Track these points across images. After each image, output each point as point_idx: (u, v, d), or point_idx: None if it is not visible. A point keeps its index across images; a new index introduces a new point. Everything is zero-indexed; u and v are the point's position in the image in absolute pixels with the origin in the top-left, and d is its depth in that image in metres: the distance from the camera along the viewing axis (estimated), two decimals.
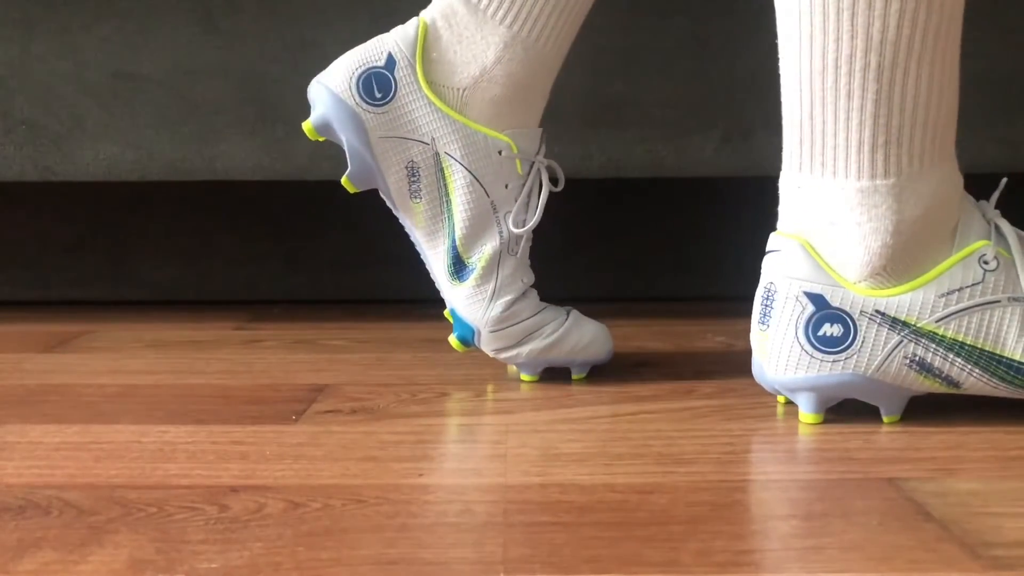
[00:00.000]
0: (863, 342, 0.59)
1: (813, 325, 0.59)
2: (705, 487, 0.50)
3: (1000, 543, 0.43)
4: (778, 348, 0.60)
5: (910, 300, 0.59)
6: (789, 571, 0.40)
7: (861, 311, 0.59)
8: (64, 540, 0.44)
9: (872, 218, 0.59)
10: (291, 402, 0.62)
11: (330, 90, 0.68)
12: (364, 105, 0.68)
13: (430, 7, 0.70)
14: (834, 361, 0.59)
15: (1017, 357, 0.59)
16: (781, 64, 0.60)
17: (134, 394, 0.69)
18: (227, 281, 1.07)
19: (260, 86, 1.07)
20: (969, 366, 0.59)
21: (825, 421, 0.61)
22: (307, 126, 0.69)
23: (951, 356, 0.59)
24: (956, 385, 0.60)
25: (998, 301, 0.59)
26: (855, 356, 0.59)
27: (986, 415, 0.61)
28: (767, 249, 0.62)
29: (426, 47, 0.69)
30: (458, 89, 0.68)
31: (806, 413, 0.61)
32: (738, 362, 0.76)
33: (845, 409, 0.62)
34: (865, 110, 0.57)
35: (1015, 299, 0.59)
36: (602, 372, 0.73)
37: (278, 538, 0.44)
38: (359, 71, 0.68)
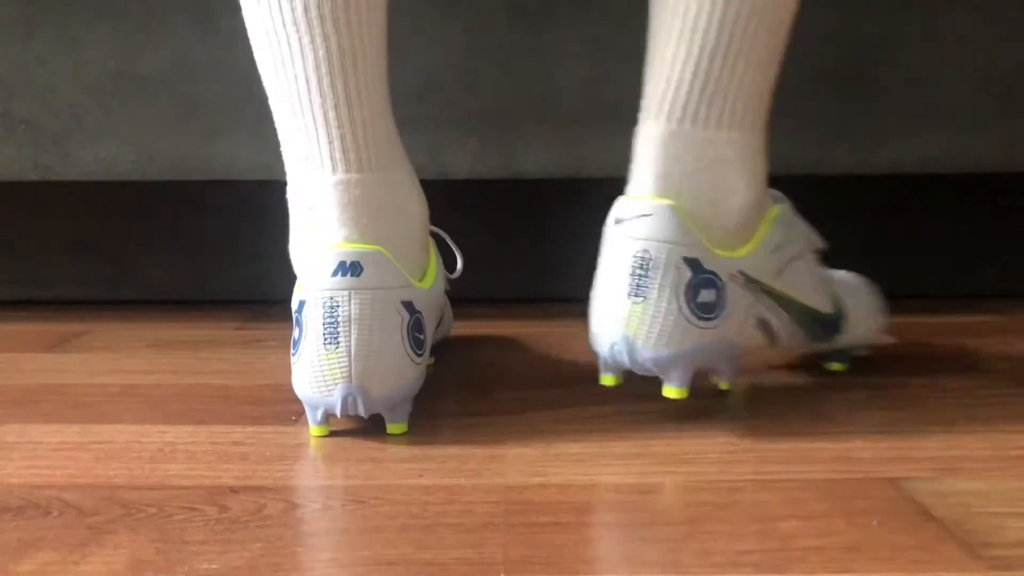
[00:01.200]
0: (732, 305, 0.58)
1: (692, 292, 0.57)
2: (705, 487, 0.50)
3: (1001, 543, 0.43)
4: (660, 320, 0.57)
5: (756, 259, 0.59)
6: (789, 571, 0.40)
7: (729, 274, 0.59)
8: (64, 540, 0.44)
9: (745, 171, 0.59)
10: (291, 402, 0.62)
11: None
12: None
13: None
14: (711, 328, 0.58)
15: (819, 308, 0.62)
16: (661, 19, 0.60)
17: (134, 394, 0.69)
18: (227, 281, 1.07)
19: (260, 86, 1.07)
20: (787, 319, 0.62)
21: (825, 421, 0.61)
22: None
23: (779, 310, 0.61)
24: (775, 340, 0.62)
25: (802, 254, 0.63)
26: (726, 321, 0.58)
27: (986, 415, 0.61)
28: (623, 216, 0.58)
29: None
30: None
31: (678, 388, 0.58)
32: None
33: (845, 409, 0.62)
34: (753, 64, 0.59)
35: (812, 251, 0.64)
36: None
37: (278, 538, 0.44)
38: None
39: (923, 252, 1.06)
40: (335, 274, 0.56)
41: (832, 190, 1.06)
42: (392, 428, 0.58)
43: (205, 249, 1.07)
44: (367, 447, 0.56)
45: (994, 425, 0.59)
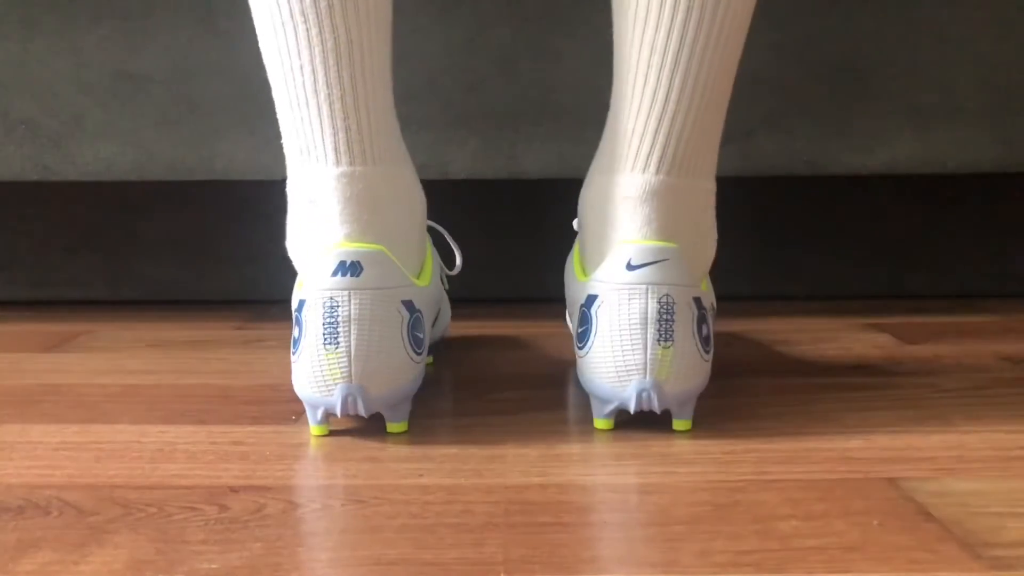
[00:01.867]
0: (713, 336, 0.61)
1: (698, 328, 0.58)
2: (705, 487, 0.50)
3: (1000, 543, 0.43)
4: (685, 361, 0.57)
5: (709, 293, 0.65)
6: (789, 571, 0.40)
7: (711, 305, 0.62)
8: (64, 540, 0.44)
9: (713, 218, 0.63)
10: (291, 402, 0.62)
11: None
12: None
13: None
14: (710, 359, 0.59)
15: None
16: (625, 69, 0.61)
17: (134, 394, 0.69)
18: (227, 281, 1.07)
19: (260, 86, 1.07)
20: None
21: (824, 421, 0.61)
22: None
23: None
24: None
25: None
26: (712, 350, 0.60)
27: (986, 415, 0.61)
28: (639, 261, 0.58)
29: None
30: None
31: (687, 420, 0.59)
32: (738, 362, 0.76)
33: (845, 409, 0.62)
34: (720, 115, 0.62)
35: None
36: None
37: (278, 538, 0.44)
38: None
39: (922, 252, 1.06)
40: (335, 274, 0.56)
41: (831, 190, 1.07)
42: (392, 427, 0.58)
43: (205, 249, 1.07)
44: (367, 447, 0.56)
45: (994, 425, 0.59)
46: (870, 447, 0.56)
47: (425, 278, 0.63)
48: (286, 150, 0.62)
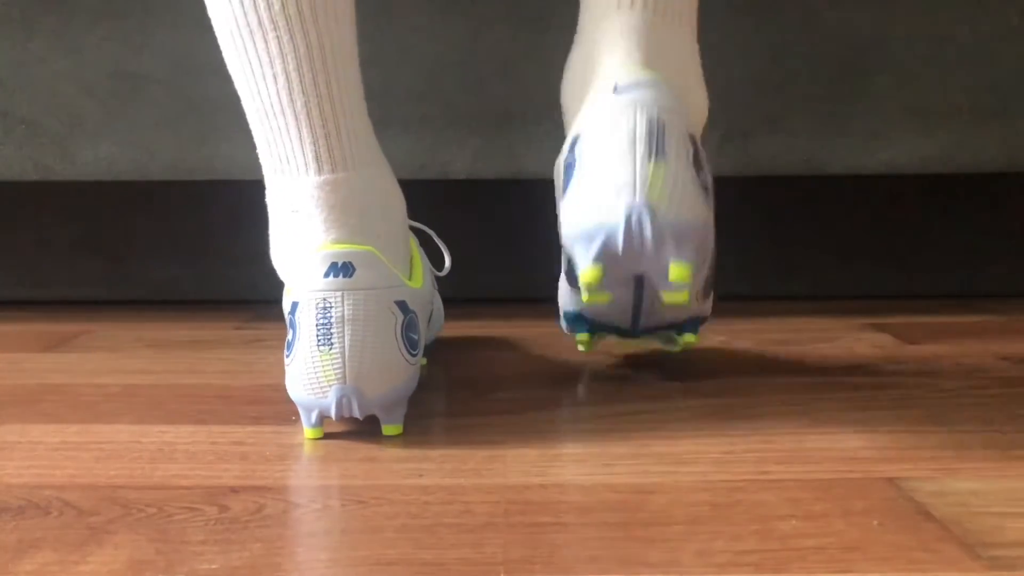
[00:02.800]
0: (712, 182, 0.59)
1: (696, 165, 0.54)
2: (705, 487, 0.50)
3: (1000, 543, 0.43)
4: (680, 186, 0.52)
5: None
6: (789, 571, 0.40)
7: (704, 154, 0.59)
8: (64, 540, 0.44)
9: (699, 73, 0.62)
10: (291, 402, 0.61)
11: None
12: None
13: None
14: (710, 204, 0.55)
15: None
16: None
17: (134, 394, 0.69)
18: (227, 281, 1.07)
19: None
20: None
21: (824, 421, 0.61)
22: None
23: None
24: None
25: None
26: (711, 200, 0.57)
27: (986, 415, 0.61)
28: (622, 83, 0.54)
29: None
30: None
31: (688, 264, 0.53)
32: (738, 362, 0.76)
33: (845, 409, 0.62)
34: None
35: None
36: (602, 372, 0.73)
37: (278, 538, 0.44)
38: None
39: (922, 252, 1.06)
40: (327, 275, 0.56)
41: (831, 190, 1.07)
42: (388, 429, 0.58)
43: (205, 249, 1.07)
44: (367, 447, 0.56)
45: (994, 425, 0.59)
46: (870, 447, 0.56)
47: (417, 279, 0.63)
48: (262, 161, 0.61)
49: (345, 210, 0.58)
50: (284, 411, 0.63)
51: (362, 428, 0.59)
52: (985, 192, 1.06)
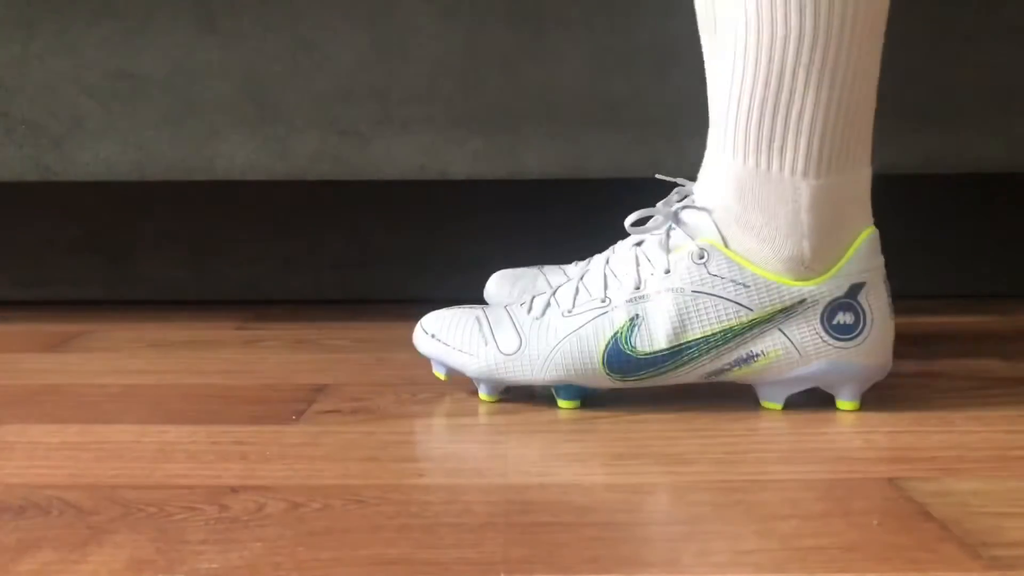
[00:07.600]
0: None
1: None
2: (705, 487, 0.50)
3: (1000, 543, 0.43)
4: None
5: None
6: (789, 571, 0.40)
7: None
8: (64, 540, 0.44)
9: None
10: (291, 402, 0.62)
11: None
12: None
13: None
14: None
15: None
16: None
17: (134, 394, 0.69)
18: (227, 281, 1.07)
19: (260, 86, 1.07)
20: None
21: (824, 421, 0.61)
22: None
23: None
24: None
25: None
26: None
27: (986, 415, 0.61)
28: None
29: None
30: None
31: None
32: None
33: (847, 408, 0.62)
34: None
35: None
36: None
37: (278, 538, 0.44)
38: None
39: (923, 252, 1.06)
40: (880, 254, 0.65)
41: None
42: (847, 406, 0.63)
43: (205, 249, 1.07)
44: (367, 447, 0.56)
45: (994, 425, 0.59)
46: (870, 447, 0.56)
47: None
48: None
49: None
50: (284, 411, 0.63)
51: (364, 428, 0.59)
52: (985, 192, 1.06)
